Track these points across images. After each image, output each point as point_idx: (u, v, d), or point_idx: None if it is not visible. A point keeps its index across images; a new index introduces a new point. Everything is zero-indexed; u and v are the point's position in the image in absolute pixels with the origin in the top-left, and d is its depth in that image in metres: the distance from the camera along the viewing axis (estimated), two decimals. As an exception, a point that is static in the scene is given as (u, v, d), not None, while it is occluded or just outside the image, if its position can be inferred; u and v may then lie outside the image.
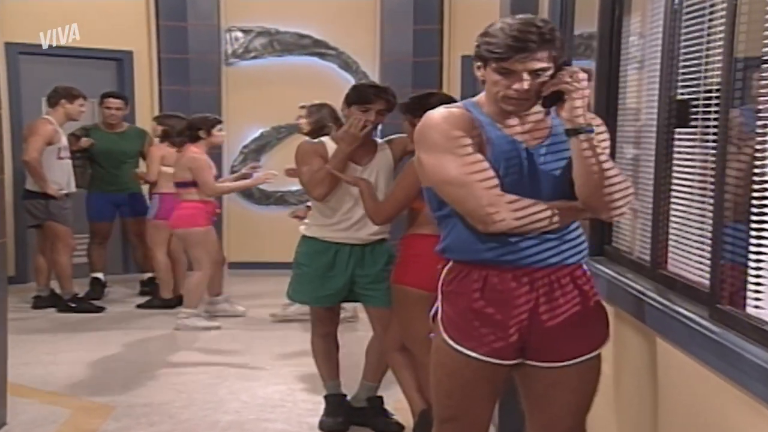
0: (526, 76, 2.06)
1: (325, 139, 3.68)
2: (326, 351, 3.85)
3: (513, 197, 2.12)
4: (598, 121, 2.23)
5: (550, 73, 2.09)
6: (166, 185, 6.14)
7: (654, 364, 2.41)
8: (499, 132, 2.16)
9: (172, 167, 5.94)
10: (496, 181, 2.11)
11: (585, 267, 2.31)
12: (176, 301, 6.25)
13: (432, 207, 2.30)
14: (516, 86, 2.08)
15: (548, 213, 2.14)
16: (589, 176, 2.09)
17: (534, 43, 2.04)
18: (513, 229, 2.13)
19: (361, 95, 3.54)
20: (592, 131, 2.09)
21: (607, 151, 2.19)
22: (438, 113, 2.19)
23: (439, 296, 2.30)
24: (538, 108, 2.19)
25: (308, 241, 3.71)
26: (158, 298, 6.32)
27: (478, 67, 2.15)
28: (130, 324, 5.85)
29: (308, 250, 3.69)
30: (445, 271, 2.29)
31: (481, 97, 2.23)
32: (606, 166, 2.09)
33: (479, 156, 2.12)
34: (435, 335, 2.33)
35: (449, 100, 3.36)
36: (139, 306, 6.31)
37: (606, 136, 2.22)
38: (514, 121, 2.18)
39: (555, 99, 2.10)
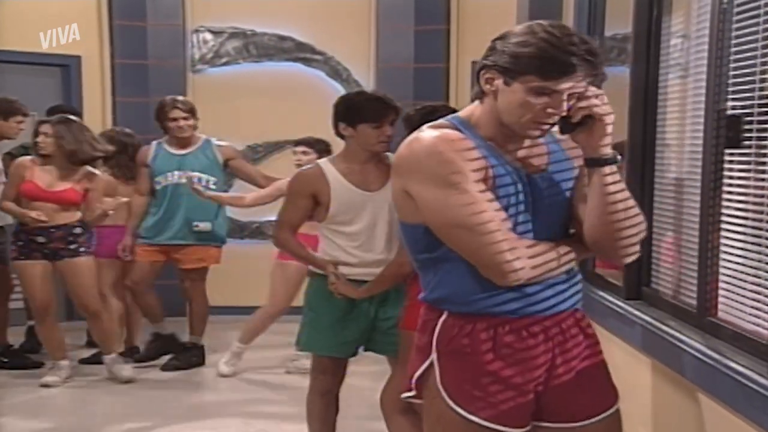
0: (565, 97, 2.05)
1: (324, 162, 3.67)
2: (324, 413, 3.82)
3: (530, 242, 2.13)
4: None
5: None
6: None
7: (701, 428, 2.40)
8: (499, 158, 2.16)
9: (112, 197, 5.93)
10: (509, 224, 2.11)
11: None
12: (128, 354, 6.21)
13: (416, 248, 2.26)
14: (553, 110, 2.05)
15: (563, 257, 2.17)
16: (606, 215, 2.11)
17: (584, 62, 2.03)
18: (538, 279, 2.15)
19: (374, 111, 3.53)
20: (618, 161, 2.11)
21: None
22: (430, 136, 2.13)
23: (434, 355, 2.25)
24: None
25: (320, 279, 3.68)
26: (108, 350, 6.29)
27: (489, 80, 2.12)
28: (72, 382, 5.80)
29: (321, 290, 3.66)
30: (440, 325, 2.25)
31: (473, 114, 2.21)
32: (629, 204, 2.12)
33: (488, 192, 2.10)
34: (424, 401, 2.30)
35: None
36: (83, 361, 6.28)
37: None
38: (513, 144, 2.19)
39: (577, 125, 2.10)
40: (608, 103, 2.08)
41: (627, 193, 2.13)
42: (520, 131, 2.12)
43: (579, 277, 2.29)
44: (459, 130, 2.16)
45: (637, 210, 2.14)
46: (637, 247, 2.18)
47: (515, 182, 2.15)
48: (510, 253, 2.07)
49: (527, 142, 2.20)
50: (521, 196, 2.16)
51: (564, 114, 2.07)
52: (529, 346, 2.20)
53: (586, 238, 2.16)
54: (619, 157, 2.12)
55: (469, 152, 2.11)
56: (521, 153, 2.19)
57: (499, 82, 2.10)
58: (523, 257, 2.09)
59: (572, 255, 2.19)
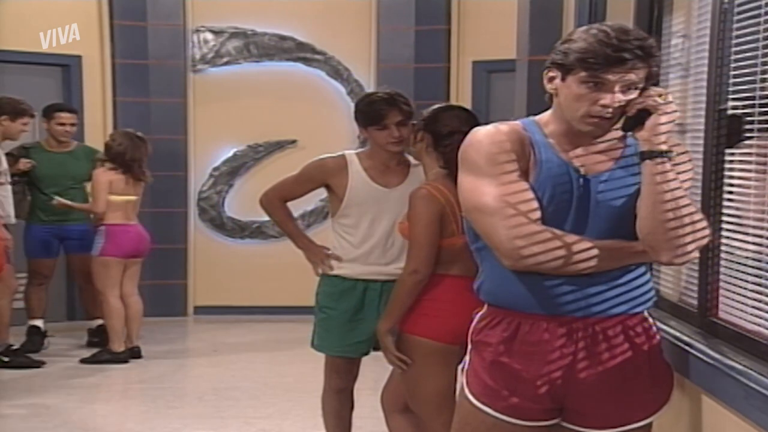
0: (618, 89, 2.11)
1: (351, 154, 3.70)
2: (338, 409, 3.84)
3: (551, 230, 2.15)
4: (682, 149, 2.28)
5: (638, 91, 2.14)
6: (113, 215, 6.15)
7: (701, 428, 2.40)
8: (553, 155, 2.22)
9: (122, 195, 6.03)
10: (537, 213, 2.16)
11: (647, 318, 2.32)
12: (128, 354, 6.22)
13: (469, 238, 2.38)
14: (605, 101, 2.12)
15: (594, 252, 2.17)
16: (655, 208, 2.12)
17: (633, 55, 2.09)
18: (545, 267, 2.16)
19: (375, 114, 3.58)
20: (669, 156, 2.13)
21: (687, 184, 2.22)
22: (483, 130, 2.27)
23: (469, 346, 2.40)
24: (612, 131, 2.23)
25: (330, 279, 3.70)
26: (107, 350, 6.30)
27: (551, 78, 2.20)
28: (73, 383, 5.81)
29: (331, 290, 3.69)
30: (477, 317, 2.38)
31: (544, 115, 2.29)
32: (681, 201, 2.13)
33: (523, 184, 2.18)
34: (459, 390, 2.41)
35: (469, 116, 3.37)
36: (83, 360, 6.29)
37: (689, 166, 2.26)
38: (575, 143, 2.23)
39: (638, 121, 2.15)
40: (671, 102, 2.12)
41: (680, 191, 2.13)
42: (579, 126, 2.18)
43: (629, 279, 2.26)
44: (523, 127, 2.26)
45: (691, 209, 2.14)
46: (691, 251, 2.15)
47: (563, 179, 2.20)
48: (520, 239, 2.12)
49: (596, 142, 2.24)
50: (568, 194, 2.20)
51: (625, 111, 2.14)
52: (544, 341, 2.23)
53: (638, 232, 2.17)
54: (673, 152, 2.14)
55: (513, 144, 2.20)
56: (583, 152, 2.23)
57: (558, 80, 2.18)
58: (537, 243, 2.13)
59: (611, 254, 2.19)
